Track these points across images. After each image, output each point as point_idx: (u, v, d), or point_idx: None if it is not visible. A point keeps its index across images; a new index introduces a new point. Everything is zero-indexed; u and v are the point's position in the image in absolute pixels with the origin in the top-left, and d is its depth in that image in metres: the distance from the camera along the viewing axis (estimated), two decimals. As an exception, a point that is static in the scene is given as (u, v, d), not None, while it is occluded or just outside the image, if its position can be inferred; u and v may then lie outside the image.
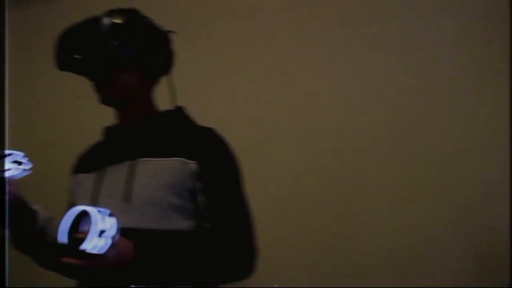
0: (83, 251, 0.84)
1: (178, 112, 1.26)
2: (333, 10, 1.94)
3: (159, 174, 1.11)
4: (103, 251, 0.86)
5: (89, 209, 0.88)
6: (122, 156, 1.17)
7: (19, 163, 1.05)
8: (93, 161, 1.24)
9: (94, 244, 0.84)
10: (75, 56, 1.10)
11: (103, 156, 1.22)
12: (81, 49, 1.10)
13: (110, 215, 0.89)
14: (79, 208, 0.90)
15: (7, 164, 1.02)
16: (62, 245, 0.87)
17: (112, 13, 1.14)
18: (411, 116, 1.80)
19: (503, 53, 1.66)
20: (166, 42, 1.23)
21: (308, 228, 1.83)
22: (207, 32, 2.13)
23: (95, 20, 1.11)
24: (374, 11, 1.88)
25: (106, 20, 1.10)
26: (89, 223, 0.87)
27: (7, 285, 1.62)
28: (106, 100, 1.17)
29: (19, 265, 1.63)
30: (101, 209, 0.88)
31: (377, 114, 1.83)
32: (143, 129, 1.19)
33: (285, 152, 1.93)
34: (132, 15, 1.16)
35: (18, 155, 1.05)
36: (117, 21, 1.11)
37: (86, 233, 0.86)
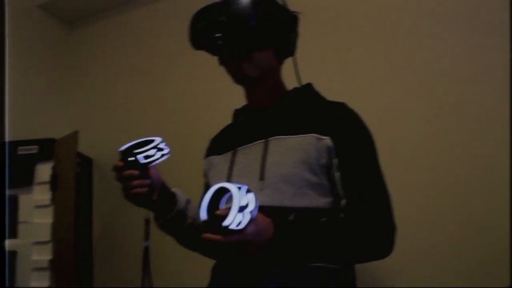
0: (225, 228, 0.83)
1: (308, 89, 1.23)
2: None
3: (293, 151, 1.08)
4: (243, 226, 0.85)
5: (229, 185, 0.87)
6: (254, 135, 1.17)
7: (159, 149, 1.08)
8: (225, 142, 1.26)
9: (235, 220, 0.83)
10: (215, 35, 1.10)
11: (235, 137, 1.23)
12: (221, 28, 1.10)
13: (248, 191, 0.87)
14: (219, 185, 0.90)
15: (150, 151, 1.06)
16: (204, 222, 0.88)
17: None
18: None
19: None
20: (296, 24, 1.21)
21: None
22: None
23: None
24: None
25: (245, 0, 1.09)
26: (230, 199, 0.86)
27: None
28: (242, 78, 1.17)
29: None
30: (240, 185, 0.87)
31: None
32: (275, 108, 1.18)
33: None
34: None
35: (158, 141, 1.08)
36: (256, 0, 1.10)
37: (227, 210, 0.85)
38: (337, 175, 1.08)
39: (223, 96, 2.02)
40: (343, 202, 1.06)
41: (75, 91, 2.87)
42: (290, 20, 1.19)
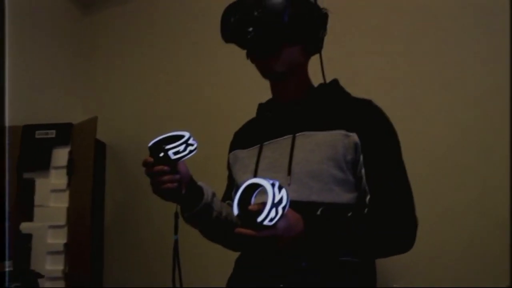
0: (259, 223, 0.84)
1: (334, 85, 1.24)
2: None
3: (321, 147, 1.10)
4: (275, 222, 0.86)
5: (262, 181, 0.88)
6: (281, 130, 1.18)
7: (188, 144, 1.08)
8: (251, 137, 1.27)
9: (269, 216, 0.84)
10: (247, 29, 1.10)
11: (261, 131, 1.24)
12: (254, 23, 1.10)
13: (281, 187, 0.88)
14: (251, 180, 0.90)
15: (179, 146, 1.06)
16: (237, 217, 0.89)
17: None
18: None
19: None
20: (326, 21, 1.22)
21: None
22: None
23: None
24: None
25: None
26: (261, 194, 0.87)
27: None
28: (270, 74, 1.18)
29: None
30: (273, 181, 0.88)
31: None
32: (302, 103, 1.19)
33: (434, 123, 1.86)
34: None
35: (187, 136, 1.08)
36: None
37: (259, 205, 0.86)
38: (362, 171, 1.09)
39: (246, 88, 2.02)
40: (368, 197, 1.08)
41: (91, 75, 2.87)
42: (321, 17, 1.20)
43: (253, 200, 0.92)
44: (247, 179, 0.93)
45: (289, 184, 1.08)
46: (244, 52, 1.21)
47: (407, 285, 1.71)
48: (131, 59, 2.75)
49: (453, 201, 1.71)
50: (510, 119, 1.66)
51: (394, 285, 1.71)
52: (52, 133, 2.19)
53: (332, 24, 1.24)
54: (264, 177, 0.91)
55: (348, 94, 1.23)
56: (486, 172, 1.69)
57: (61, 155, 2.16)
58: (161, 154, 1.04)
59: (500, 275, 1.53)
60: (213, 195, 1.19)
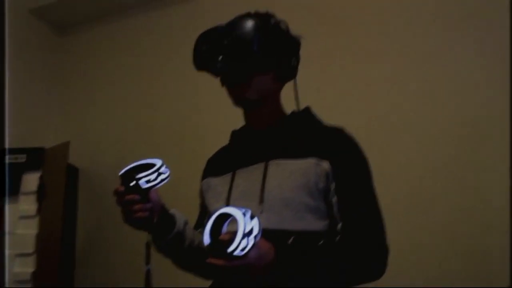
0: (230, 253, 0.84)
1: (306, 113, 1.25)
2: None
3: (293, 175, 1.10)
4: (246, 251, 0.85)
5: (234, 211, 0.88)
6: (253, 158, 1.18)
7: (160, 173, 1.07)
8: (223, 164, 1.26)
9: (240, 246, 0.84)
10: (217, 57, 1.12)
11: (234, 159, 1.24)
12: (223, 51, 1.12)
13: (252, 216, 0.88)
14: (223, 209, 0.90)
15: (151, 175, 1.05)
16: (207, 247, 0.88)
17: (251, 16, 1.15)
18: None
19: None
20: (298, 48, 1.23)
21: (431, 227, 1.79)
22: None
23: (236, 23, 1.13)
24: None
25: (248, 23, 1.11)
26: (233, 223, 0.87)
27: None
28: (242, 101, 1.18)
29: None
30: (244, 210, 0.87)
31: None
32: (274, 131, 1.20)
33: (407, 150, 1.90)
34: (270, 19, 1.17)
35: (159, 164, 1.07)
36: (259, 24, 1.12)
37: (230, 235, 0.85)
38: (334, 199, 1.10)
39: (220, 115, 2.03)
40: (339, 225, 1.08)
41: (64, 99, 2.84)
42: (292, 45, 1.22)
43: (225, 228, 0.91)
44: (220, 207, 0.92)
45: (261, 212, 1.07)
46: (218, 79, 1.22)
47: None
48: (104, 84, 2.75)
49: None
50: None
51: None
52: (22, 158, 2.14)
53: (306, 45, 1.26)
54: (236, 206, 0.90)
55: (320, 122, 1.25)
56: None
57: (31, 180, 2.12)
58: (132, 183, 1.03)
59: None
60: (185, 223, 1.18)
